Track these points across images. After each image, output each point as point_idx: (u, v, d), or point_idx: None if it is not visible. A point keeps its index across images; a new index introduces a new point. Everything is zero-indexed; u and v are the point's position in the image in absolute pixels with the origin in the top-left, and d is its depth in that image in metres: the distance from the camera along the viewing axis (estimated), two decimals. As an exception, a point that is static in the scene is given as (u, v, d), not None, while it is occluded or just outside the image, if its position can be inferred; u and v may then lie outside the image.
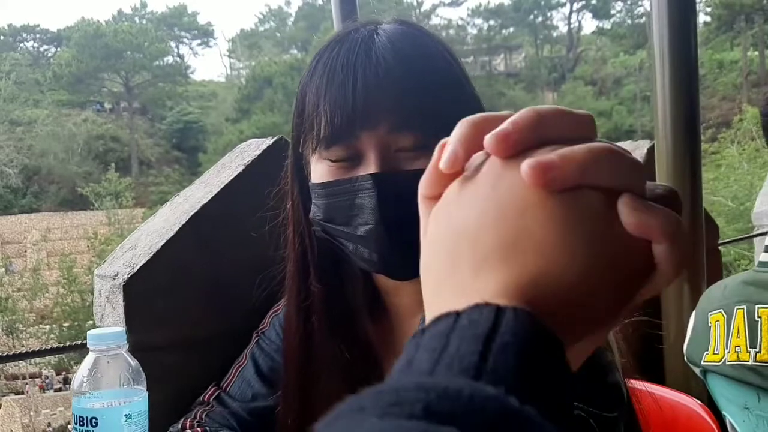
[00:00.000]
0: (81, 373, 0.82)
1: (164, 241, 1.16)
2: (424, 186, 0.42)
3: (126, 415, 0.78)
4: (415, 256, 0.87)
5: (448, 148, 0.40)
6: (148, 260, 1.14)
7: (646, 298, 0.37)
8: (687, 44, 2.07)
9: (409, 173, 0.81)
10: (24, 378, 26.05)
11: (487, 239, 0.35)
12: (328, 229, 0.88)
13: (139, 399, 0.81)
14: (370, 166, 0.82)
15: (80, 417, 0.77)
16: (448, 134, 0.84)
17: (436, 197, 0.40)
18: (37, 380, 25.85)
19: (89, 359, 0.83)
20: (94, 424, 0.76)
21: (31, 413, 22.75)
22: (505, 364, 0.29)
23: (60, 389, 25.34)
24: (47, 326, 27.77)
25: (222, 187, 1.21)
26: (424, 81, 0.82)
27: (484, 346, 0.29)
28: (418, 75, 0.82)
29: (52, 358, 24.71)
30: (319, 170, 0.86)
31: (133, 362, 0.84)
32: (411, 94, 0.81)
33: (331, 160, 0.85)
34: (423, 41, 0.87)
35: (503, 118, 0.38)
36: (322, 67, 0.85)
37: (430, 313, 0.36)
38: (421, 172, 0.82)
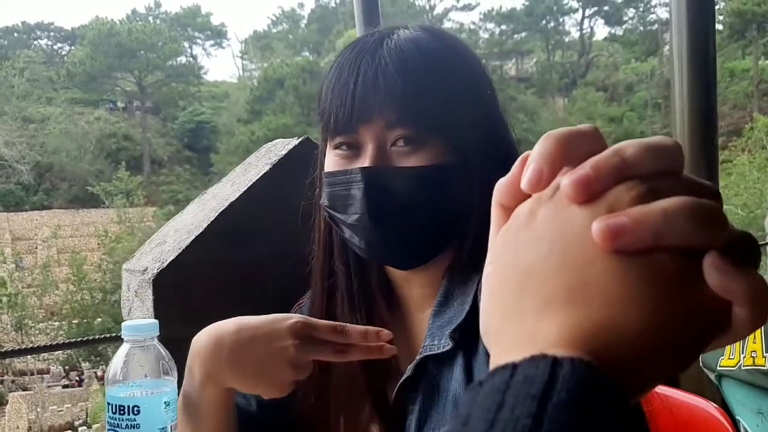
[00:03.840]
0: (116, 363, 0.84)
1: (192, 237, 1.19)
2: (500, 193, 0.39)
3: (165, 403, 0.81)
4: (401, 247, 0.92)
5: (530, 165, 0.37)
6: (176, 256, 1.17)
7: (714, 349, 0.35)
8: (705, 52, 2.09)
9: (396, 170, 0.88)
10: (32, 374, 26.15)
11: (553, 284, 0.33)
12: (332, 215, 0.94)
13: (172, 388, 0.84)
14: (365, 159, 0.88)
15: (119, 406, 0.79)
16: (442, 133, 0.88)
17: (510, 208, 0.39)
18: (46, 377, 25.94)
19: (123, 349, 0.85)
20: (136, 412, 0.78)
21: (38, 409, 22.85)
22: (560, 426, 0.28)
23: (67, 386, 25.42)
24: (56, 323, 27.89)
25: (249, 185, 1.24)
26: (421, 80, 0.87)
27: (539, 407, 0.28)
28: (415, 75, 0.87)
29: (61, 355, 24.82)
30: (329, 160, 0.93)
31: (165, 352, 0.87)
32: (405, 93, 0.87)
33: (337, 150, 0.92)
34: (432, 45, 0.91)
35: (588, 135, 0.36)
36: (336, 66, 0.92)
37: (494, 352, 0.36)
38: (410, 169, 0.87)
